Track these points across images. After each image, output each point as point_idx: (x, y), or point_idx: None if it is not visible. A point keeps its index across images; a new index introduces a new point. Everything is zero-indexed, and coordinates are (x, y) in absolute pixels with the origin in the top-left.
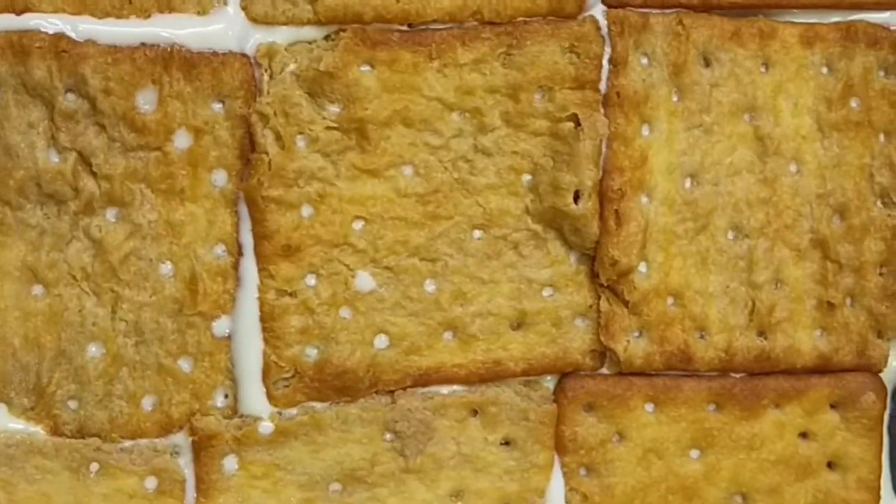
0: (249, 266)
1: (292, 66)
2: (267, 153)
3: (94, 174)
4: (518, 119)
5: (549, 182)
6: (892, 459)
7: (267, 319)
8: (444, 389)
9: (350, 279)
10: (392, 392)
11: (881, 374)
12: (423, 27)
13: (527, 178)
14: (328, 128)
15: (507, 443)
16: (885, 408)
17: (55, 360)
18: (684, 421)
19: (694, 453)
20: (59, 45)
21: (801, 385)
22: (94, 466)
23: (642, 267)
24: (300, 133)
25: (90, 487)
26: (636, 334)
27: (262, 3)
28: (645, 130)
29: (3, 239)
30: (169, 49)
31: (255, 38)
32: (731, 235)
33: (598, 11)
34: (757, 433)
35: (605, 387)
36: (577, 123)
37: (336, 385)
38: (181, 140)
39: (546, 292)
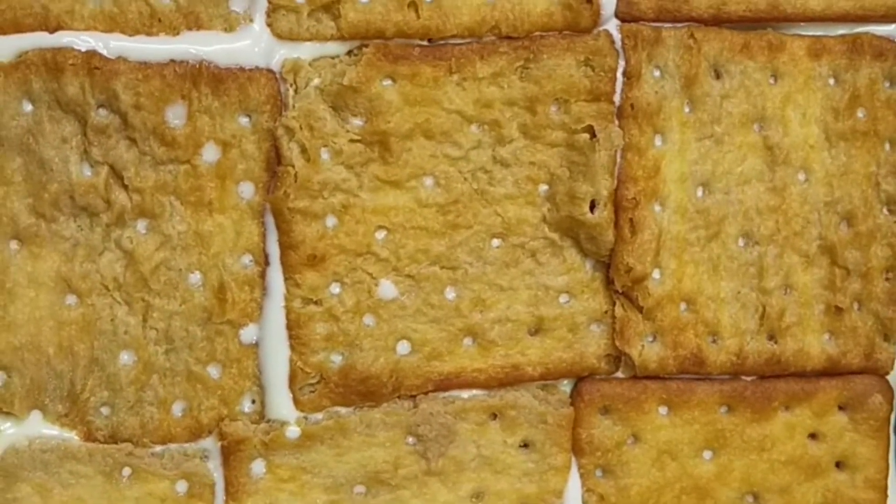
0: (276, 275)
1: (316, 81)
2: (293, 166)
3: (125, 187)
4: (535, 131)
5: (566, 192)
6: None
7: (293, 327)
8: (465, 394)
9: (373, 287)
10: (414, 397)
11: (888, 377)
12: (443, 42)
13: (544, 188)
14: (351, 140)
15: (525, 445)
16: (892, 409)
17: (88, 367)
18: (697, 423)
19: (707, 454)
20: (92, 62)
21: (810, 387)
22: (127, 471)
23: (656, 274)
24: (325, 146)
25: (123, 491)
26: (650, 339)
27: (286, 20)
28: (658, 141)
29: (38, 250)
30: (197, 65)
31: (280, 54)
32: (741, 242)
33: (612, 26)
34: (768, 434)
35: (621, 390)
36: (593, 135)
37: (360, 390)
38: (209, 153)
39: (563, 299)
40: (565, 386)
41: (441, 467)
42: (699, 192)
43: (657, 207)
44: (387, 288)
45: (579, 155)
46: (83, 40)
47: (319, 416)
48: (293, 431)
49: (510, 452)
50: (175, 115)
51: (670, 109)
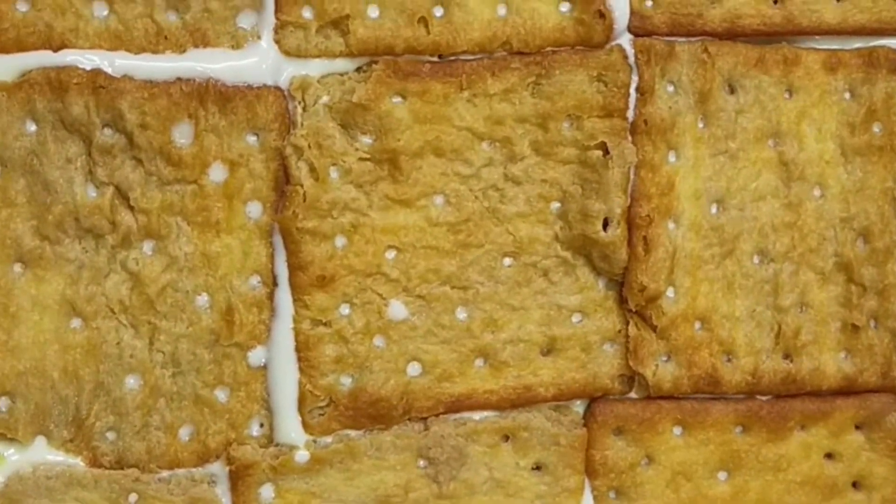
0: (284, 296)
1: (325, 99)
2: (301, 185)
3: (131, 208)
4: (547, 148)
5: (579, 210)
6: None
7: (302, 349)
8: (476, 416)
9: (383, 308)
10: (425, 419)
11: None
12: (454, 58)
13: (556, 205)
14: (361, 159)
15: (538, 467)
16: None
17: (94, 392)
18: (712, 443)
19: (722, 475)
20: (97, 81)
21: (826, 407)
22: (133, 497)
23: (670, 292)
24: (333, 164)
25: None
26: (664, 359)
27: (294, 37)
28: (672, 157)
29: (43, 273)
30: (204, 83)
31: (288, 72)
32: (756, 260)
33: (625, 40)
34: (783, 454)
35: (634, 411)
36: (606, 151)
37: (370, 413)
38: (217, 173)
39: (575, 318)
40: (578, 407)
41: (452, 491)
42: (713, 209)
43: (671, 225)
44: (397, 309)
45: (592, 172)
46: (88, 59)
47: (329, 439)
48: (302, 455)
49: (522, 475)
50: (182, 135)
51: (684, 125)
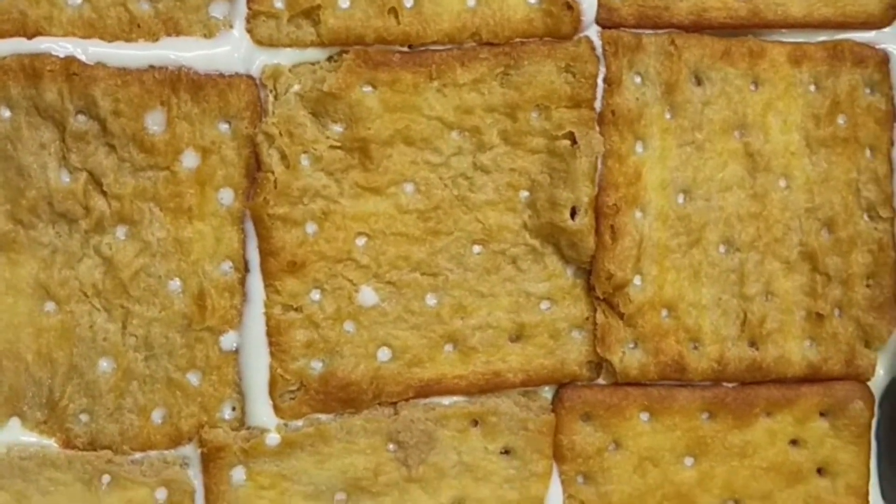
0: (256, 282)
1: (296, 87)
2: (272, 172)
3: (104, 193)
4: (516, 137)
5: (547, 198)
6: (880, 466)
7: (273, 334)
8: (446, 400)
9: (353, 294)
10: (395, 403)
11: (869, 383)
12: (423, 48)
13: (524, 194)
14: (332, 147)
15: (506, 452)
16: (872, 415)
17: (67, 374)
18: (679, 429)
19: (688, 461)
20: (70, 68)
21: (791, 394)
22: (106, 478)
23: (637, 280)
24: (304, 152)
25: (102, 499)
26: (631, 346)
27: (266, 26)
28: (639, 147)
29: (17, 257)
30: (177, 71)
31: (260, 60)
32: (722, 249)
33: (592, 32)
34: (749, 441)
35: (602, 397)
36: (574, 141)
37: (341, 397)
38: (189, 160)
39: (544, 305)
40: (546, 392)
41: (422, 474)
42: (680, 199)
43: (638, 214)
44: (367, 294)
45: (560, 161)
46: (62, 46)
47: (300, 423)
48: (273, 438)
49: (491, 459)
50: (154, 122)
51: (651, 116)
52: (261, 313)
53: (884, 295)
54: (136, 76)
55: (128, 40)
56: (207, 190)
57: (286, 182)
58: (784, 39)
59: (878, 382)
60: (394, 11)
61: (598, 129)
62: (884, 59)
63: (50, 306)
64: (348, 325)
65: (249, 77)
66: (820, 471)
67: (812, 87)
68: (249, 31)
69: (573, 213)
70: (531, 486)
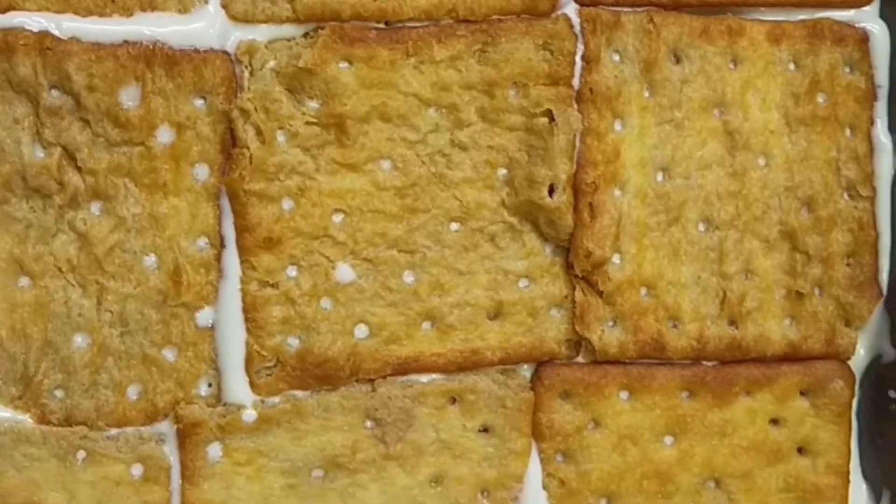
0: (232, 258)
1: (272, 63)
2: (248, 148)
3: (78, 169)
4: (493, 115)
5: (525, 176)
6: (861, 445)
7: (249, 310)
8: (424, 378)
9: (330, 271)
10: (372, 381)
11: (849, 362)
12: (400, 25)
13: (502, 171)
14: (308, 123)
15: (485, 430)
16: (853, 394)
17: (42, 349)
18: (658, 408)
19: (668, 440)
20: (44, 43)
21: (771, 373)
22: (81, 454)
23: (616, 258)
24: (280, 128)
25: (77, 475)
26: (610, 324)
27: (241, 2)
28: (617, 125)
29: None
30: (152, 47)
31: (235, 36)
32: (702, 227)
33: (570, 9)
34: (729, 420)
35: (581, 375)
36: (552, 119)
37: (317, 374)
38: (164, 135)
39: (522, 283)
40: (525, 371)
41: (400, 452)
42: (659, 177)
43: (617, 192)
44: (344, 271)
45: (538, 139)
46: (35, 21)
47: (276, 399)
48: (250, 415)
49: (469, 437)
50: (128, 97)
51: (630, 94)
52: (237, 289)
53: (864, 274)
54: (111, 51)
55: (102, 15)
56: (183, 165)
57: (262, 158)
58: (763, 17)
59: (858, 361)
60: None
61: (575, 106)
62: (863, 37)
63: (24, 281)
64: (325, 302)
65: (225, 53)
66: (800, 450)
67: (791, 66)
68: (225, 6)
69: (551, 191)
70: (510, 464)
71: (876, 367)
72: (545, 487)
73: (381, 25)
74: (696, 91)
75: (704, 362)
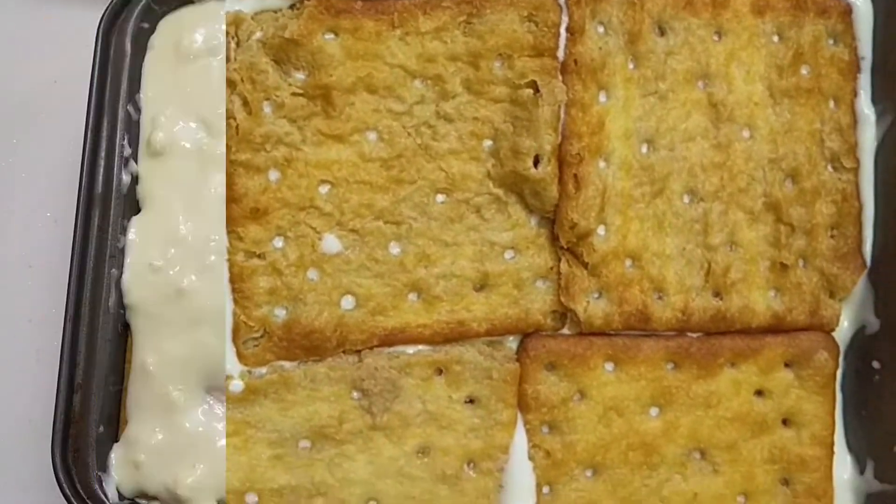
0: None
1: (258, 34)
2: (235, 118)
3: None
4: (478, 86)
5: (510, 147)
6: (845, 416)
7: (236, 280)
8: (410, 349)
9: (317, 241)
10: (359, 351)
11: (833, 334)
12: None
13: (488, 143)
14: (294, 94)
15: (471, 401)
16: (837, 366)
17: None
18: (643, 379)
19: (653, 411)
20: None
21: (756, 344)
22: None
23: (601, 230)
24: (267, 99)
25: None
26: (596, 295)
27: None
28: (602, 97)
29: None
30: None
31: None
32: (686, 199)
33: None
34: (714, 391)
35: (566, 346)
36: (536, 90)
37: (304, 345)
38: None
39: (508, 255)
40: (511, 342)
41: (386, 422)
42: (644, 149)
43: (601, 163)
44: (330, 242)
45: (523, 110)
46: None
47: (263, 370)
48: (237, 385)
49: (456, 408)
50: None
51: (614, 66)
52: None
53: (848, 245)
54: None
55: None
56: None
57: (248, 129)
58: None
59: (842, 333)
60: None
61: (560, 78)
62: (847, 9)
63: None
64: (312, 273)
65: None
66: (785, 421)
67: (775, 38)
68: None
69: (536, 162)
70: (496, 435)
71: (860, 339)
72: (531, 458)
73: None
74: (680, 63)
75: (689, 334)
